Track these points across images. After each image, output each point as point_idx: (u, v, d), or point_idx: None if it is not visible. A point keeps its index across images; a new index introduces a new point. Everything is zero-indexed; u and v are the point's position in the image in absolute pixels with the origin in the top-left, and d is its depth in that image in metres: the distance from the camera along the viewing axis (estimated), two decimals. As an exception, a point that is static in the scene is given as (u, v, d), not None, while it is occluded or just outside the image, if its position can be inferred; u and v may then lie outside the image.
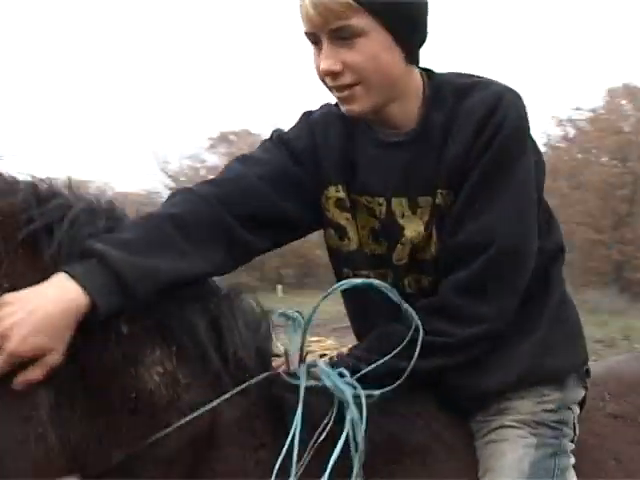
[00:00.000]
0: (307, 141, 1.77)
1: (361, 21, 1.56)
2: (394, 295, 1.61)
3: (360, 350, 1.66)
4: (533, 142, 1.72)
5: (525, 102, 1.68)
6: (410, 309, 1.60)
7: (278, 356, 1.66)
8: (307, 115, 1.83)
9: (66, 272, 1.40)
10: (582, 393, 1.84)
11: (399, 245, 1.73)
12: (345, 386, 1.53)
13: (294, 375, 1.57)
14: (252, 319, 1.62)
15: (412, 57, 1.67)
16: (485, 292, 1.64)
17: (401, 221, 1.72)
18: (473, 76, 1.73)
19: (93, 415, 1.43)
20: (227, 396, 1.49)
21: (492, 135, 1.62)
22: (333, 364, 1.62)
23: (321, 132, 1.77)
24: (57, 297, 1.36)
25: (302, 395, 1.50)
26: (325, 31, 1.57)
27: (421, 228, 1.71)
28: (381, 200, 1.73)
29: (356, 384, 1.55)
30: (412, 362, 1.56)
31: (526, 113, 1.68)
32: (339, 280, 1.76)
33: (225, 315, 1.55)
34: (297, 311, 1.69)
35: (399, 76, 1.65)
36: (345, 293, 1.79)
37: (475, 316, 1.64)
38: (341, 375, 1.56)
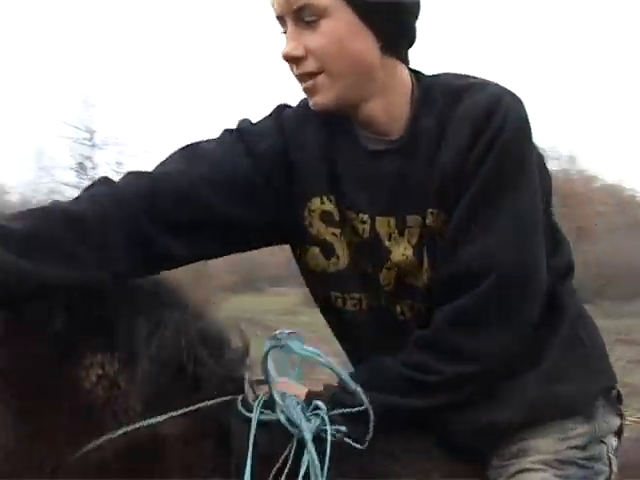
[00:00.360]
0: (273, 141, 1.55)
1: (325, 1, 1.42)
2: (337, 370, 1.42)
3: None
4: (537, 151, 1.52)
5: (525, 107, 1.48)
6: (351, 382, 1.40)
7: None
8: (280, 110, 1.61)
9: None
10: (617, 421, 1.59)
11: (384, 269, 1.54)
12: (307, 421, 1.37)
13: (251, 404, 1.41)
14: (213, 335, 1.49)
15: (390, 48, 1.48)
16: (483, 326, 1.44)
17: (387, 243, 1.53)
18: (468, 77, 1.54)
19: (26, 414, 1.35)
20: (167, 416, 1.37)
21: (490, 142, 1.42)
22: (312, 395, 1.45)
23: (294, 130, 1.56)
24: None
25: (253, 433, 1.35)
26: (290, 13, 1.44)
27: (409, 252, 1.51)
28: (365, 217, 1.53)
29: (326, 419, 1.37)
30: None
31: (527, 118, 1.47)
32: (322, 305, 1.61)
33: (169, 327, 1.42)
34: (292, 332, 1.48)
35: (372, 66, 1.47)
36: (323, 311, 1.64)
37: (470, 353, 1.44)
38: (317, 408, 1.40)
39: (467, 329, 1.44)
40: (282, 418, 1.37)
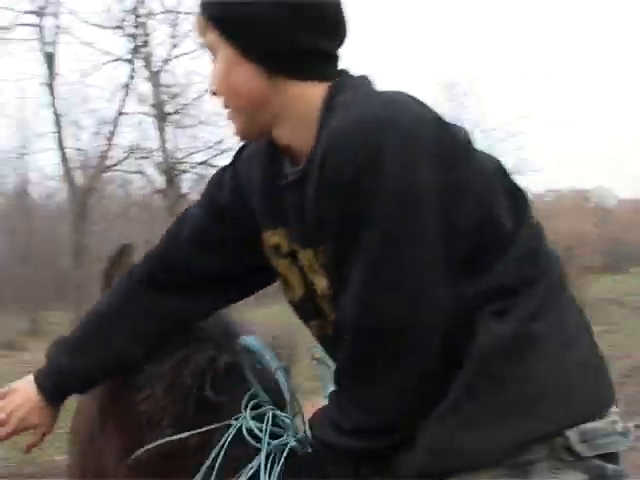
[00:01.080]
0: (229, 188, 1.64)
1: (211, 36, 1.45)
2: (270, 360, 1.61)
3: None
4: (448, 143, 1.35)
5: (401, 125, 1.28)
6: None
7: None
8: (238, 151, 1.66)
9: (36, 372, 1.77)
10: (579, 478, 1.30)
11: (319, 300, 1.51)
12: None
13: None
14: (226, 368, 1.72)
15: (278, 72, 1.41)
16: (363, 380, 1.37)
17: (310, 275, 1.50)
18: (359, 89, 1.42)
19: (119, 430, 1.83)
20: (189, 433, 1.72)
21: (334, 176, 1.32)
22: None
23: (245, 168, 1.61)
24: (33, 392, 1.75)
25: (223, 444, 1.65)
26: None
27: (326, 285, 1.47)
28: (297, 247, 1.51)
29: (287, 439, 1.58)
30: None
31: (383, 144, 1.27)
32: None
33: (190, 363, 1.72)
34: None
35: (260, 95, 1.43)
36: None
37: (364, 407, 1.38)
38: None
39: (344, 382, 1.41)
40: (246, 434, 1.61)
